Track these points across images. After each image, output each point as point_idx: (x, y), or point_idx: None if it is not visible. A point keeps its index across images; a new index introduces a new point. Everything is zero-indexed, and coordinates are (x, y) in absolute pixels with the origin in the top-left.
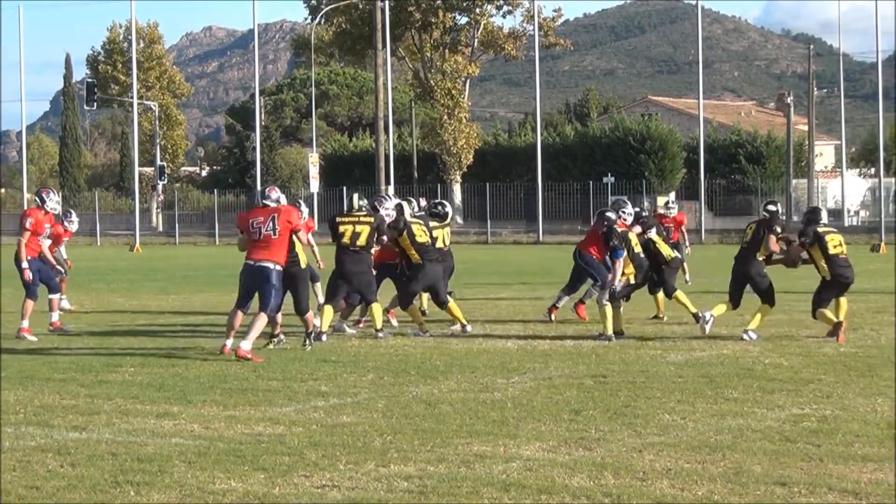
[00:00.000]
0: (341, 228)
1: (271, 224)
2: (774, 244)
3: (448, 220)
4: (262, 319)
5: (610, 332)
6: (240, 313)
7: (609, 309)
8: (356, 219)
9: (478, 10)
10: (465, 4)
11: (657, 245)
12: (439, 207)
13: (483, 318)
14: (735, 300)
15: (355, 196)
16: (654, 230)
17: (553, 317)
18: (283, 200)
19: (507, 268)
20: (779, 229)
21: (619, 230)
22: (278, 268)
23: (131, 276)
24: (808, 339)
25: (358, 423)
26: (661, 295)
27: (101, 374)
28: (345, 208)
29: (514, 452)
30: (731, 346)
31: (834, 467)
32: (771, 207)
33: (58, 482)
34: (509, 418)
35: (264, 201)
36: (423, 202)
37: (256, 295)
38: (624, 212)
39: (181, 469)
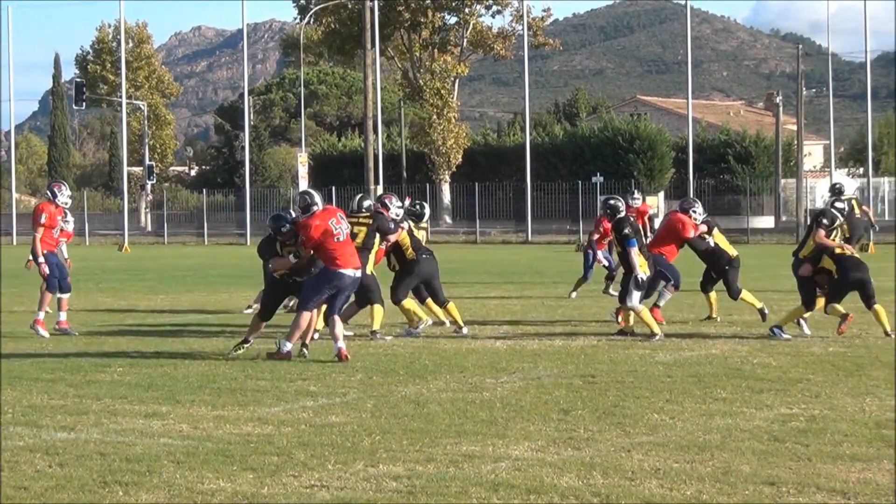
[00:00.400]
0: None
1: (344, 224)
2: (821, 237)
3: (423, 220)
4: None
5: (657, 329)
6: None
7: (645, 311)
8: (356, 219)
9: (467, 10)
10: (454, 4)
11: (719, 244)
12: (417, 207)
13: (472, 317)
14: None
15: (358, 196)
16: (716, 229)
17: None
18: None
19: (496, 267)
20: (826, 221)
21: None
22: None
23: (120, 276)
24: (797, 338)
25: (347, 422)
26: (713, 294)
27: (89, 373)
28: (349, 209)
29: (502, 452)
30: (720, 346)
31: (822, 467)
32: (838, 204)
33: (46, 482)
34: (498, 418)
35: (322, 203)
36: (408, 200)
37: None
38: (695, 211)
39: (170, 469)
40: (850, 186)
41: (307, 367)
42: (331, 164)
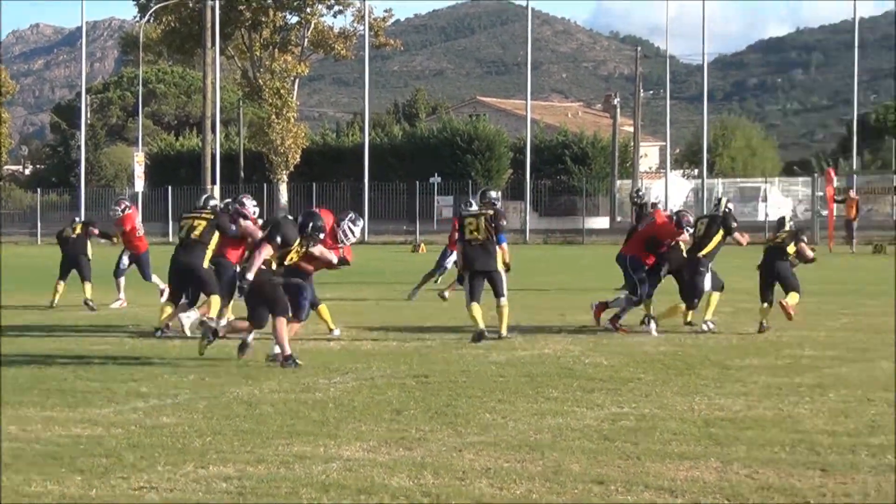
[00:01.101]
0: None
1: None
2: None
3: None
4: None
5: (482, 324)
6: None
7: (474, 308)
8: (198, 215)
9: (308, 10)
10: (295, 4)
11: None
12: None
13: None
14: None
15: (205, 196)
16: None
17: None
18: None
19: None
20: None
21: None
22: None
23: None
24: (629, 337)
25: (178, 424)
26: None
27: None
28: (195, 205)
29: (334, 453)
30: (553, 346)
31: (651, 465)
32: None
33: None
34: (330, 418)
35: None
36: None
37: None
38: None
39: None
40: (685, 188)
41: (138, 367)
42: (168, 163)
